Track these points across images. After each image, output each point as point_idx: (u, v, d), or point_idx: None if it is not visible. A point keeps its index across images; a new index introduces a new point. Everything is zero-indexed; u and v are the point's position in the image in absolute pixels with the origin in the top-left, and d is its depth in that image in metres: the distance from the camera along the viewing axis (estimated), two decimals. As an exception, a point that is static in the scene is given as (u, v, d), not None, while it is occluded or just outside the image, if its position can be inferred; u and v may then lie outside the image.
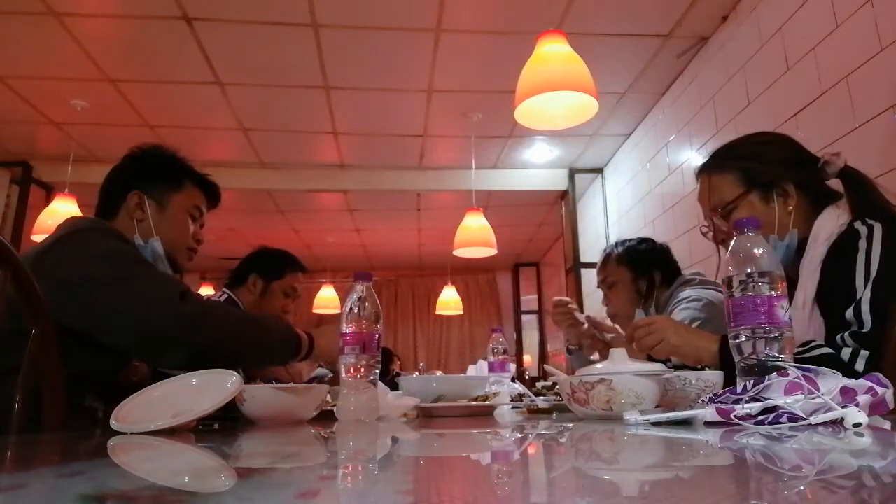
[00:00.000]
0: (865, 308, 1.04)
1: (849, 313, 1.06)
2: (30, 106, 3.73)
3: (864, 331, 1.03)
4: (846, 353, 1.03)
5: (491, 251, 3.79)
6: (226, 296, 2.28)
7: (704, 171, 1.40)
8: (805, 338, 1.10)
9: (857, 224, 1.14)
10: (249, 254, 2.42)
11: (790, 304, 1.22)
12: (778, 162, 1.30)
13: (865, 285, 1.06)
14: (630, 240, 2.15)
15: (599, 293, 2.21)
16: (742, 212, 1.28)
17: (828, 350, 1.05)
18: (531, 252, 7.21)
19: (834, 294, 1.11)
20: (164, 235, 1.48)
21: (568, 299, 2.15)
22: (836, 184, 1.27)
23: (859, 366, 1.00)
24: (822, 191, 1.27)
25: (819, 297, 1.14)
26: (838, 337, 1.06)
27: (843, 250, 1.13)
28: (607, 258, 2.13)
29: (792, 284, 1.24)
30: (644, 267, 2.06)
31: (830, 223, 1.19)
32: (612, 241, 2.26)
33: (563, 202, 5.00)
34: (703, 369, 1.33)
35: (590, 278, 3.76)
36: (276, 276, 2.33)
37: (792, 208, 1.26)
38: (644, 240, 2.14)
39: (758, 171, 1.29)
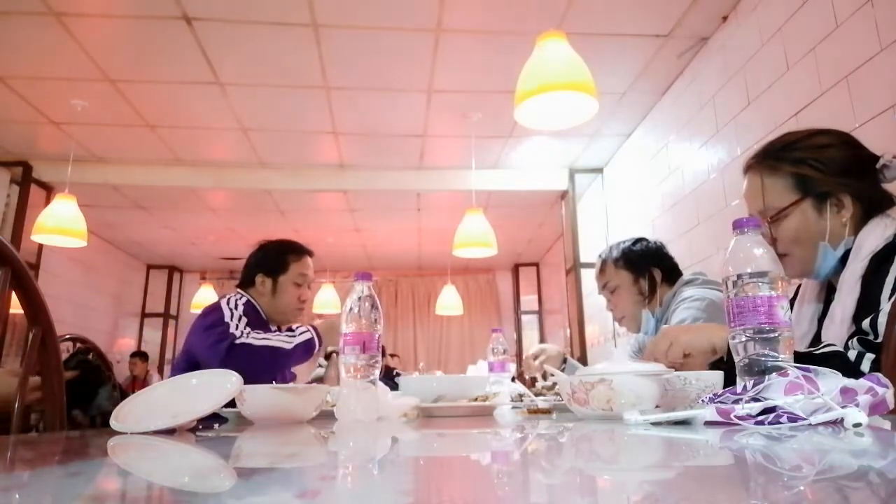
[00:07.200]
0: (882, 320, 1.01)
1: (865, 323, 1.04)
2: (30, 106, 3.73)
3: (876, 341, 1.01)
4: (852, 354, 1.02)
5: (491, 251, 3.79)
6: (245, 298, 2.20)
7: (755, 168, 1.32)
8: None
9: None
10: (252, 252, 2.35)
11: (825, 316, 1.21)
12: (837, 171, 1.22)
13: (889, 299, 1.04)
14: (624, 241, 2.14)
15: (599, 294, 2.20)
16: (793, 220, 1.23)
17: (836, 348, 1.05)
18: (531, 252, 7.21)
19: (866, 309, 1.08)
20: None
21: (538, 353, 2.14)
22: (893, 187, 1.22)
23: (865, 366, 1.00)
24: (877, 196, 1.21)
25: (856, 314, 1.10)
26: (847, 340, 1.05)
27: (880, 264, 1.10)
28: (604, 263, 2.12)
29: (833, 292, 1.21)
30: (642, 266, 2.05)
31: (875, 236, 1.14)
32: (608, 244, 2.25)
33: (563, 202, 5.00)
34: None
35: (590, 278, 3.76)
36: (282, 271, 2.26)
37: (846, 220, 1.20)
38: (638, 239, 2.14)
39: (814, 179, 1.22)
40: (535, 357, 2.13)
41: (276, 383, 2.09)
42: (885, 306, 1.04)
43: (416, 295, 8.09)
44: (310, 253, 2.36)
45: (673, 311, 1.91)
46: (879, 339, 1.01)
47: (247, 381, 2.07)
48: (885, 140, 1.97)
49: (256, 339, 1.98)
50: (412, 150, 4.46)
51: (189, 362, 2.00)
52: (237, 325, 2.02)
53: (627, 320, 2.10)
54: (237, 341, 1.94)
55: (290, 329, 2.14)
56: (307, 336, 2.07)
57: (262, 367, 1.96)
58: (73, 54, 3.18)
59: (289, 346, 2.01)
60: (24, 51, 3.17)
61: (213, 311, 2.11)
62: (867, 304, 1.09)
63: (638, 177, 4.12)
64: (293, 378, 2.45)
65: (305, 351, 2.06)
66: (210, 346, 1.95)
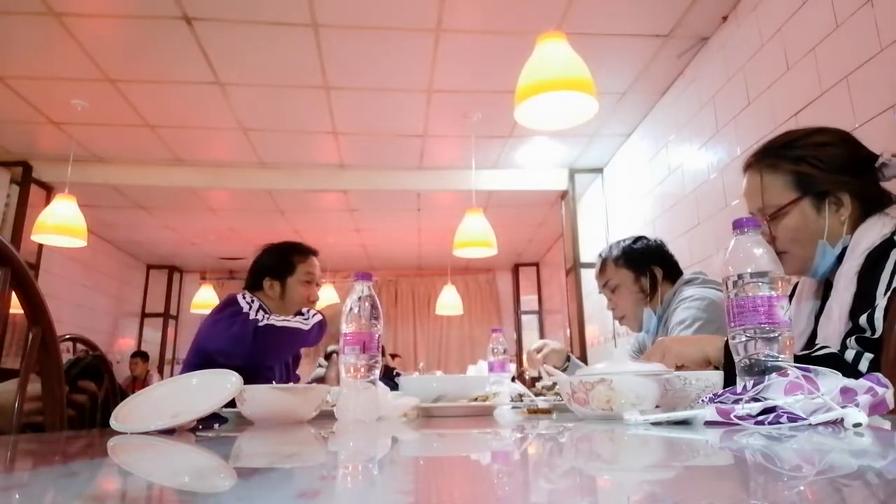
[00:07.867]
0: (879, 315, 1.01)
1: (862, 319, 1.04)
2: (30, 106, 3.73)
3: (873, 337, 1.01)
4: (850, 354, 1.02)
5: (491, 251, 3.79)
6: (257, 300, 2.21)
7: (755, 166, 1.32)
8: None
9: None
10: (257, 256, 2.35)
11: (822, 312, 1.21)
12: (836, 169, 1.22)
13: (885, 294, 1.04)
14: (624, 240, 2.14)
15: (599, 293, 2.20)
16: (792, 218, 1.24)
17: (832, 350, 1.05)
18: (531, 252, 7.21)
19: (862, 305, 1.08)
20: None
21: (541, 347, 2.18)
22: (893, 185, 1.22)
23: (863, 366, 1.00)
24: (876, 194, 1.22)
25: (852, 310, 1.11)
26: (845, 339, 1.05)
27: (876, 260, 1.10)
28: (604, 262, 2.12)
29: (830, 289, 1.22)
30: (643, 264, 2.05)
31: (872, 233, 1.15)
32: (608, 243, 2.25)
33: (563, 202, 5.00)
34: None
35: (590, 278, 3.75)
36: (289, 272, 2.28)
37: (845, 218, 1.21)
38: (638, 238, 2.13)
39: (814, 177, 1.22)
40: (539, 351, 2.15)
41: (277, 382, 2.11)
42: (881, 301, 1.04)
43: (416, 295, 8.09)
44: (315, 252, 2.39)
45: (673, 310, 1.91)
46: (877, 335, 1.01)
47: (272, 361, 2.09)
48: (885, 140, 1.97)
49: (277, 321, 2.04)
50: (412, 150, 4.46)
51: (202, 358, 2.00)
52: (256, 312, 2.08)
53: (628, 319, 2.10)
54: (260, 324, 1.99)
55: (299, 313, 2.19)
56: (319, 318, 2.15)
57: (286, 347, 2.09)
58: (73, 54, 3.18)
59: (307, 327, 2.08)
60: (24, 51, 3.17)
61: (231, 304, 2.15)
62: (863, 300, 1.09)
63: (638, 177, 4.12)
64: (296, 379, 2.45)
65: (319, 332, 2.13)
66: (235, 333, 1.99)
